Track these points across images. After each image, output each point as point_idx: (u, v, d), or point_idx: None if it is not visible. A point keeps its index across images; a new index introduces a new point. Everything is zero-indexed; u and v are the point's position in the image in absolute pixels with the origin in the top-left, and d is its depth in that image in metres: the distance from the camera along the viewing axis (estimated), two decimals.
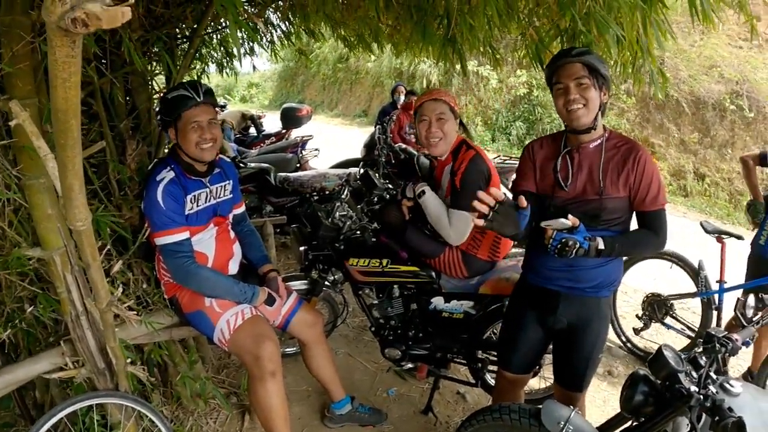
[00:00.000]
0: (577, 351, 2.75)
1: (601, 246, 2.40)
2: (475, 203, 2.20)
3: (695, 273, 4.73)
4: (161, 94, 3.31)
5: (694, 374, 2.01)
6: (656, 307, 5.00)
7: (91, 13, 0.96)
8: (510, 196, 2.47)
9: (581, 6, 2.50)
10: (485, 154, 3.34)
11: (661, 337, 5.08)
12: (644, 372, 2.17)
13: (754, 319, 4.02)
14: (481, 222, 2.22)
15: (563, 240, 2.34)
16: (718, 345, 2.10)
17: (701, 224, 4.78)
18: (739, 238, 4.59)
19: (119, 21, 1.00)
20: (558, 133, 2.76)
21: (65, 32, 1.01)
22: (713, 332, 2.16)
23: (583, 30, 2.76)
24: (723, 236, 4.59)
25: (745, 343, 4.00)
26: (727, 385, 2.01)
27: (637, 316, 5.18)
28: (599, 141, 2.59)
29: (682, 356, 2.08)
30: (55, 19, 0.97)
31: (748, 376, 4.53)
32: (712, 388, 1.94)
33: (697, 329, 4.79)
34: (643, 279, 6.03)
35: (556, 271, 2.67)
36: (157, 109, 3.02)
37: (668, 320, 4.96)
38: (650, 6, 2.45)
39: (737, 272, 4.58)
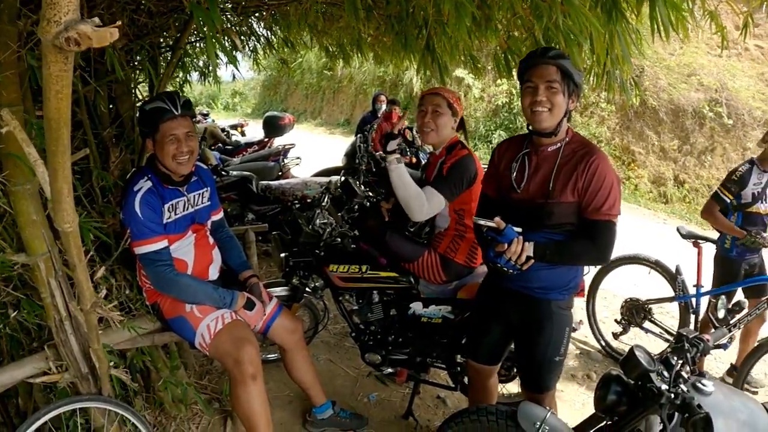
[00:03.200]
0: (531, 352, 2.80)
1: (530, 252, 2.47)
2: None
3: (673, 278, 4.81)
4: (141, 104, 3.35)
5: (666, 374, 2.05)
6: (635, 312, 5.08)
7: (83, 33, 1.03)
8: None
9: (549, 19, 2.55)
10: (477, 158, 3.40)
11: (640, 341, 5.16)
12: (617, 372, 2.21)
13: (731, 321, 4.14)
14: None
15: (490, 238, 2.51)
16: (688, 345, 2.16)
17: (677, 229, 4.89)
18: (715, 242, 4.68)
19: (108, 41, 1.06)
20: (524, 134, 2.79)
21: (59, 50, 1.07)
22: (684, 332, 2.22)
23: (544, 43, 2.82)
24: (699, 241, 4.69)
25: (724, 346, 4.11)
26: (700, 384, 2.05)
27: (616, 320, 5.25)
28: (558, 144, 2.60)
29: (654, 356, 2.14)
30: (50, 38, 1.04)
31: (733, 371, 4.67)
32: (683, 387, 1.99)
33: (675, 333, 4.75)
34: (622, 284, 6.08)
35: None
36: (138, 118, 3.03)
37: (647, 324, 5.05)
38: (615, 21, 2.51)
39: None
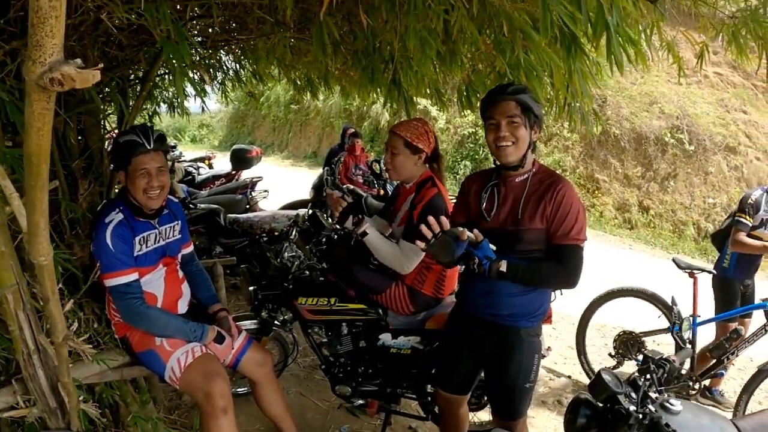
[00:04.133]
0: (501, 379, 2.83)
1: (503, 268, 2.51)
2: (422, 227, 2.43)
3: (668, 309, 4.79)
4: (114, 135, 3.35)
5: (633, 395, 2.10)
6: (629, 345, 5.04)
7: (66, 75, 1.06)
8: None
9: (511, 54, 2.62)
10: (446, 193, 3.44)
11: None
12: (585, 396, 2.25)
13: (729, 349, 4.24)
14: (422, 245, 2.44)
15: (465, 251, 2.49)
16: (654, 366, 2.21)
17: (673, 260, 4.91)
18: (711, 272, 4.79)
19: (90, 82, 1.09)
20: (492, 168, 2.87)
21: (43, 89, 1.10)
22: (650, 354, 2.27)
23: (510, 77, 2.90)
24: (695, 271, 4.71)
25: (719, 374, 4.22)
26: (668, 404, 2.09)
27: (610, 354, 5.21)
28: (525, 175, 2.69)
29: (621, 379, 2.18)
30: (35, 78, 1.06)
31: (706, 392, 4.88)
32: (651, 407, 2.03)
33: None
34: (615, 316, 6.08)
35: (476, 297, 2.76)
36: (110, 150, 3.03)
37: (641, 357, 4.93)
38: (574, 57, 2.59)
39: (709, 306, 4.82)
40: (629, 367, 5.07)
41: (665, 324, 4.86)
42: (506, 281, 2.57)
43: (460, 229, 2.46)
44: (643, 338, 5.00)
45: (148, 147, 2.83)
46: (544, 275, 2.66)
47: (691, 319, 4.36)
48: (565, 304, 4.97)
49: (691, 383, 4.54)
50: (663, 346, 5.44)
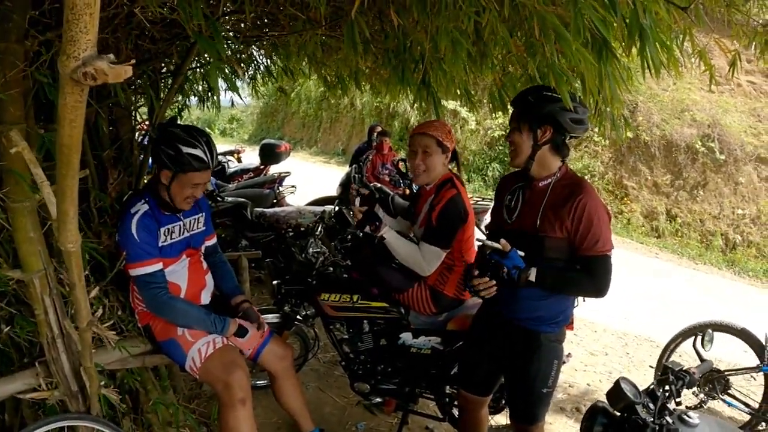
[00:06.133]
0: (519, 383, 2.85)
1: (532, 278, 2.52)
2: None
3: (760, 347, 4.50)
4: (146, 126, 3.38)
5: (651, 406, 2.09)
6: (715, 383, 4.67)
7: (99, 69, 1.08)
8: (482, 236, 2.58)
9: (542, 57, 2.62)
10: (465, 195, 3.43)
11: (722, 415, 4.92)
12: (603, 404, 2.25)
13: None
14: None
15: (494, 261, 2.52)
16: (673, 377, 2.19)
17: None
18: None
19: (122, 77, 1.12)
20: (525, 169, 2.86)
21: (76, 83, 1.12)
22: (670, 365, 2.26)
23: (540, 80, 2.90)
24: None
25: None
26: (686, 417, 2.09)
27: (693, 393, 4.83)
28: (549, 180, 2.69)
29: (640, 389, 2.17)
30: (69, 72, 1.09)
31: None
32: (669, 419, 2.03)
33: (759, 404, 4.56)
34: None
35: (503, 299, 2.73)
36: (163, 146, 2.94)
37: (726, 397, 4.64)
38: (604, 62, 2.57)
39: None
40: (715, 406, 4.94)
41: (754, 362, 4.57)
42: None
43: (501, 242, 2.52)
44: (730, 377, 4.65)
45: (210, 166, 2.90)
46: (573, 284, 2.66)
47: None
48: (588, 310, 4.89)
49: (765, 424, 4.36)
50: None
